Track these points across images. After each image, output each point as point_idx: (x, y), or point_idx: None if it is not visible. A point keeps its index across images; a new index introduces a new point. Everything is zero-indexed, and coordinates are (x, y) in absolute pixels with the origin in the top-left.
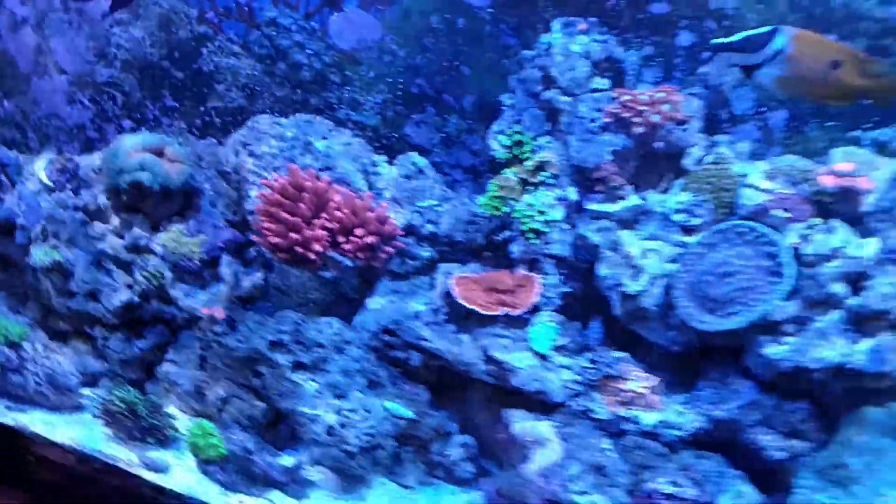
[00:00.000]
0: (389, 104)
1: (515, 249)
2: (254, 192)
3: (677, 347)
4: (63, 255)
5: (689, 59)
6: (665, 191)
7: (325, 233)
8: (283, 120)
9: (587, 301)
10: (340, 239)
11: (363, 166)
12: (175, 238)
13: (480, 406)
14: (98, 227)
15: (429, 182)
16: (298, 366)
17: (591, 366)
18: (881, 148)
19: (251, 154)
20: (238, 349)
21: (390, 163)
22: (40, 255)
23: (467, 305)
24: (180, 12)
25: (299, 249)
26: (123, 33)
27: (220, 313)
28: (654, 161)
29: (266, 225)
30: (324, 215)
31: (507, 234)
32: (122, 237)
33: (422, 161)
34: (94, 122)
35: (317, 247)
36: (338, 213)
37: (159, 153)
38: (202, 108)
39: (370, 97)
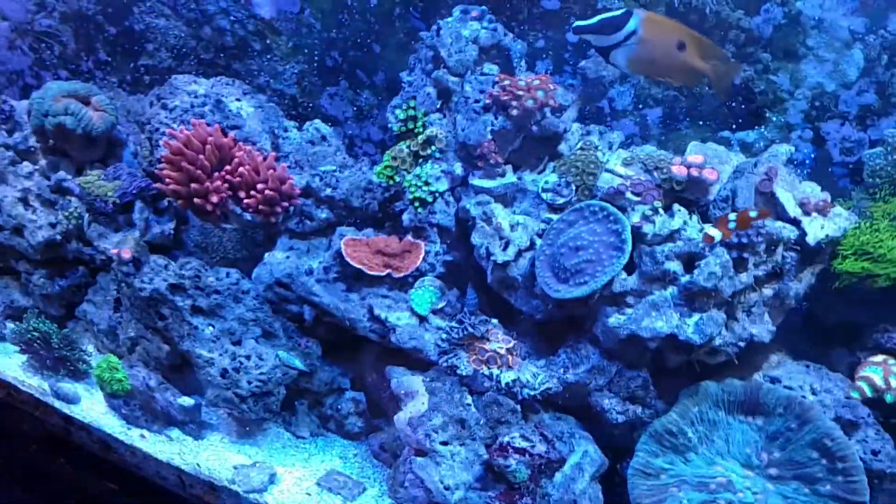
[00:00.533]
0: (306, 75)
1: (405, 217)
2: (162, 142)
3: (540, 315)
4: None
5: (575, 54)
6: (540, 172)
7: (224, 185)
8: (201, 79)
9: (466, 270)
10: (241, 194)
11: (272, 129)
12: (92, 181)
13: (370, 365)
14: (27, 166)
15: (331, 149)
16: (196, 310)
17: (458, 325)
18: (745, 148)
19: (164, 107)
20: (143, 289)
21: (299, 129)
22: None
23: (354, 264)
24: None
25: (199, 200)
26: None
27: (127, 253)
28: (533, 144)
29: (167, 172)
30: (227, 169)
31: (401, 204)
32: (48, 178)
33: (325, 128)
34: (32, 69)
35: (215, 198)
36: (240, 169)
37: (86, 101)
38: (133, 65)
39: (289, 66)
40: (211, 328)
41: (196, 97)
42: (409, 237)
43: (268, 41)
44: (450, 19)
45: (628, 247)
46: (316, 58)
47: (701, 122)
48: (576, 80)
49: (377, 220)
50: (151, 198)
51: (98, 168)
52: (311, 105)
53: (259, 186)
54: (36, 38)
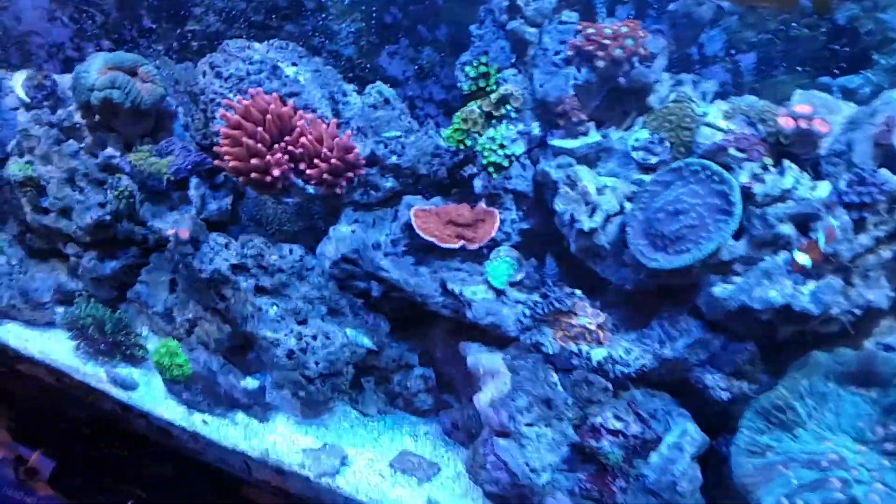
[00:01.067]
0: (364, 34)
1: (478, 184)
2: (218, 115)
3: (630, 286)
4: (37, 170)
5: None
6: (628, 128)
7: (285, 157)
8: (255, 44)
9: (545, 238)
10: (302, 166)
11: (331, 94)
12: (143, 157)
13: (440, 340)
14: (72, 144)
15: (395, 113)
16: (260, 290)
17: (542, 300)
18: (848, 94)
19: (218, 76)
20: (202, 270)
21: (360, 92)
22: (14, 169)
23: (425, 237)
24: None
25: (258, 175)
26: None
27: (184, 233)
28: (618, 98)
29: (226, 148)
30: (287, 140)
31: (471, 169)
32: (95, 156)
33: (388, 91)
34: (73, 41)
35: (276, 171)
36: (301, 140)
37: (132, 73)
38: (179, 32)
39: (345, 26)
40: (275, 308)
41: (251, 63)
42: (482, 204)
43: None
44: None
45: (738, 210)
46: (374, 14)
47: (799, 68)
48: (662, 24)
49: (445, 186)
50: (207, 172)
51: (148, 143)
52: (368, 66)
53: (322, 157)
54: (76, 7)
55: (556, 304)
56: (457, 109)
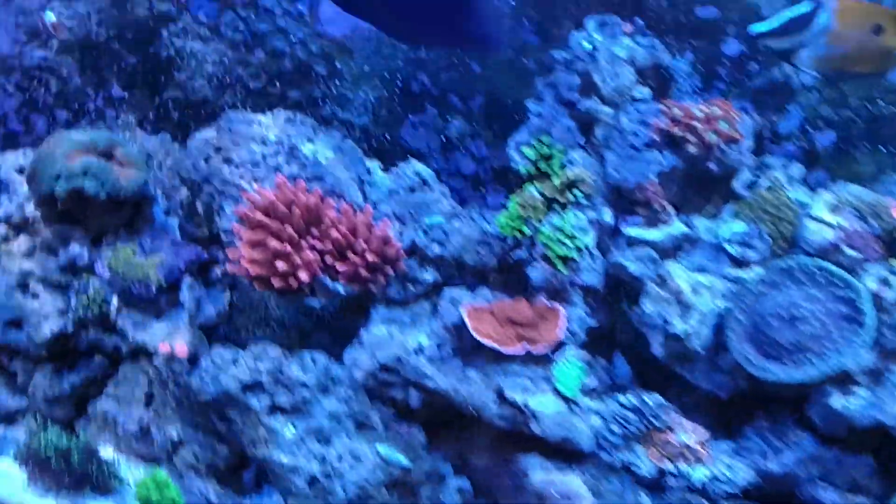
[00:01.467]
0: (384, 102)
1: (535, 275)
2: (228, 209)
3: (724, 393)
4: None
5: (734, 69)
6: (713, 216)
7: (316, 256)
8: (260, 117)
9: (614, 336)
10: (329, 259)
11: (357, 174)
12: (125, 258)
13: (484, 447)
14: (24, 241)
15: (435, 195)
16: (276, 409)
17: (635, 415)
18: None
19: (227, 161)
20: (203, 392)
21: (385, 169)
22: None
23: (485, 342)
24: None
25: (284, 280)
26: (64, 9)
27: (182, 350)
28: (699, 182)
29: (248, 253)
30: (314, 232)
31: (520, 254)
32: (54, 253)
33: (425, 170)
34: (19, 112)
35: (304, 275)
36: (334, 233)
37: (107, 155)
38: (157, 99)
39: (361, 93)
40: (293, 428)
41: (265, 144)
42: (544, 300)
43: (336, 64)
44: (594, 35)
45: (871, 320)
46: (399, 81)
47: (883, 148)
48: (745, 101)
49: (491, 276)
50: (199, 267)
51: (125, 237)
52: (386, 137)
53: (357, 250)
54: (25, 73)
55: (653, 421)
56: (487, 183)
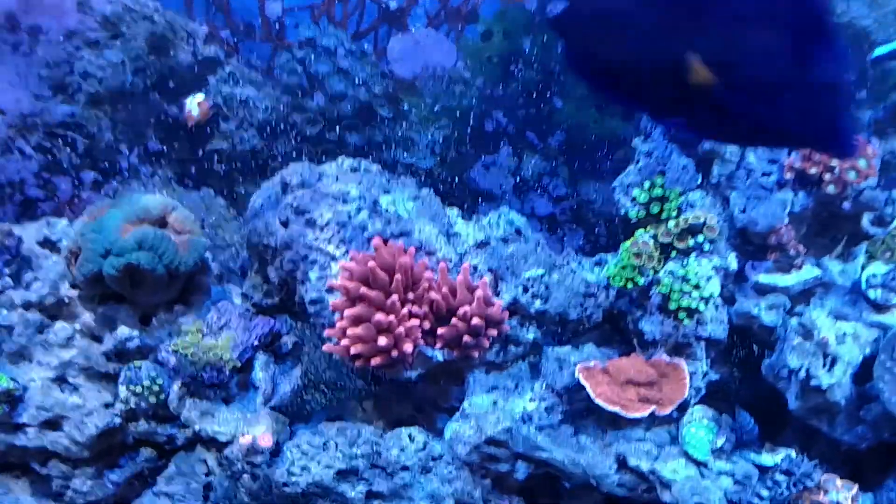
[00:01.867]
0: (453, 143)
1: (651, 329)
2: (314, 275)
3: (864, 444)
4: (9, 374)
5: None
6: (842, 257)
7: (417, 324)
8: (326, 168)
9: (737, 390)
10: (426, 325)
11: (442, 226)
12: (194, 340)
13: None
14: (62, 329)
15: (530, 246)
16: (372, 496)
17: (785, 477)
18: None
19: (310, 224)
20: (290, 484)
21: (465, 218)
22: None
23: (609, 408)
24: (181, 30)
25: (387, 354)
26: (95, 58)
27: (266, 440)
28: (825, 222)
29: (348, 329)
30: (409, 296)
31: (623, 304)
32: (97, 340)
33: (518, 218)
34: (39, 176)
35: (408, 346)
36: (433, 295)
37: (162, 223)
38: (200, 153)
39: (428, 134)
40: None
41: (346, 201)
42: (662, 356)
43: (401, 105)
44: None
45: None
46: (471, 121)
47: None
48: (868, 134)
49: (597, 331)
50: (269, 340)
51: (180, 313)
52: (452, 179)
53: (461, 314)
54: (49, 133)
55: (805, 482)
56: (564, 224)
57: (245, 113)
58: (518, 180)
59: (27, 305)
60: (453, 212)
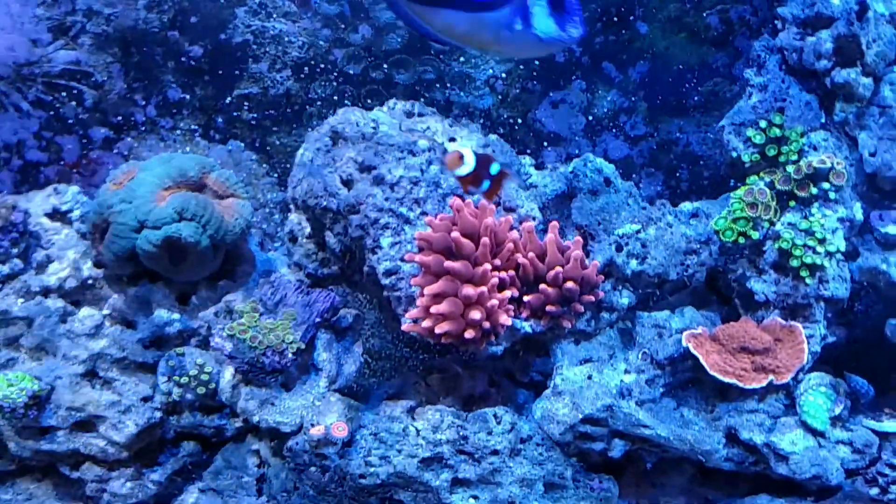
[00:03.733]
0: (516, 78)
1: (762, 289)
2: (387, 242)
3: None
4: (34, 373)
5: None
6: None
7: (510, 295)
8: (379, 114)
9: (854, 352)
10: (508, 293)
11: (520, 178)
12: (250, 322)
13: (680, 489)
14: (89, 316)
15: (622, 197)
16: (458, 482)
17: None
18: None
19: (378, 181)
20: (367, 475)
21: (537, 166)
22: (2, 386)
23: (723, 379)
24: None
25: (478, 329)
26: None
27: (341, 430)
28: None
29: (435, 308)
30: (495, 262)
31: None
32: (131, 325)
33: (608, 167)
34: (39, 135)
35: (504, 318)
36: (518, 259)
37: (199, 186)
38: (227, 100)
39: (487, 68)
40: (474, 502)
41: (414, 153)
42: (776, 318)
43: None
44: None
45: None
46: None
47: None
48: None
49: (696, 292)
50: (330, 315)
51: (227, 289)
52: (514, 120)
53: (551, 277)
54: (48, 84)
55: None
56: (641, 168)
57: (278, 50)
58: (590, 119)
59: (46, 291)
60: (526, 160)
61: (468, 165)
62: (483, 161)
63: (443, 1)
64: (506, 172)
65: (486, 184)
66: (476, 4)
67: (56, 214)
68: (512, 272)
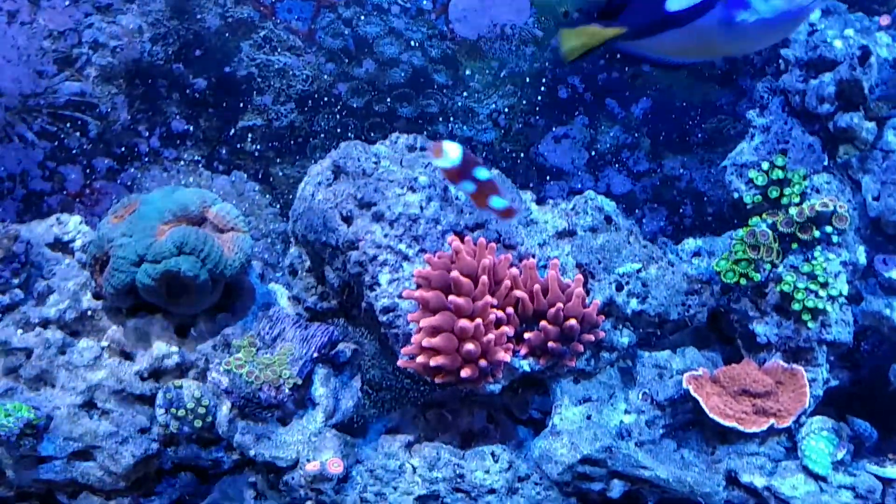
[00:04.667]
0: (519, 113)
1: (765, 332)
2: (385, 279)
3: None
4: (32, 403)
5: None
6: None
7: (509, 332)
8: (381, 148)
9: (851, 394)
10: (503, 330)
11: (521, 216)
12: (248, 356)
13: None
14: (87, 347)
15: (622, 235)
16: None
17: None
18: None
19: (378, 218)
20: None
21: (538, 202)
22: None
23: (724, 423)
24: None
25: (474, 366)
26: (106, 24)
27: (336, 466)
28: None
29: (428, 341)
30: (493, 302)
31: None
32: (129, 357)
33: (608, 204)
34: (44, 166)
35: (502, 355)
36: (518, 294)
37: (200, 221)
38: (231, 131)
39: (490, 103)
40: None
41: (414, 190)
42: (778, 361)
43: (461, 70)
44: (849, 30)
45: None
46: (543, 87)
47: None
48: None
49: (698, 332)
50: (327, 350)
51: (226, 322)
52: (517, 154)
53: (552, 315)
54: (53, 115)
55: None
56: (644, 203)
57: (282, 83)
58: (593, 154)
59: (45, 323)
60: (527, 195)
61: (449, 159)
62: (469, 160)
63: (656, 27)
64: (494, 184)
65: (469, 185)
66: (685, 16)
67: (58, 244)
68: (511, 310)
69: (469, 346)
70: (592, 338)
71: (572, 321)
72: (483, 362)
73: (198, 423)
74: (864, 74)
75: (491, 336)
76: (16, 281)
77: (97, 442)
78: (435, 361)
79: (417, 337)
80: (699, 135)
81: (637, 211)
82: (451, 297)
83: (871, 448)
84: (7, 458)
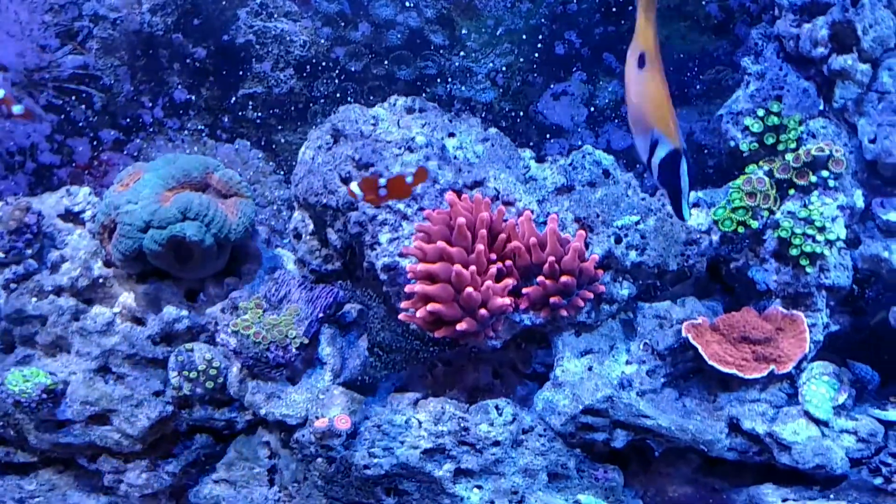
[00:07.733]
0: (517, 71)
1: (764, 278)
2: (385, 238)
3: None
4: (48, 369)
5: None
6: None
7: (510, 284)
8: (379, 111)
9: (853, 339)
10: (503, 284)
11: (517, 170)
12: (254, 317)
13: (684, 478)
14: (100, 313)
15: (620, 188)
16: (461, 473)
17: None
18: None
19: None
20: (370, 466)
21: (538, 160)
22: (16, 382)
23: (723, 369)
24: None
25: (466, 324)
26: None
27: (344, 422)
28: None
29: (426, 289)
30: (491, 257)
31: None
32: (141, 322)
33: (606, 158)
34: (52, 139)
35: (500, 301)
36: (515, 247)
37: (203, 186)
38: (232, 100)
39: (488, 62)
40: (478, 493)
41: (411, 150)
42: (777, 307)
43: (457, 30)
44: None
45: None
46: (539, 44)
47: None
48: None
49: (699, 282)
50: (334, 311)
51: (233, 286)
52: (516, 113)
53: (548, 269)
54: (59, 89)
55: None
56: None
57: (280, 50)
58: (592, 110)
59: (58, 290)
60: (526, 153)
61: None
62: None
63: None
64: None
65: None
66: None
67: (69, 215)
68: (510, 262)
69: (469, 289)
70: (591, 295)
71: (568, 276)
72: (483, 311)
73: (209, 385)
74: (857, 15)
75: (489, 282)
76: (29, 251)
77: (113, 405)
78: (433, 307)
79: (416, 287)
80: (698, 86)
81: (638, 165)
82: (445, 247)
83: (873, 392)
84: (28, 424)
